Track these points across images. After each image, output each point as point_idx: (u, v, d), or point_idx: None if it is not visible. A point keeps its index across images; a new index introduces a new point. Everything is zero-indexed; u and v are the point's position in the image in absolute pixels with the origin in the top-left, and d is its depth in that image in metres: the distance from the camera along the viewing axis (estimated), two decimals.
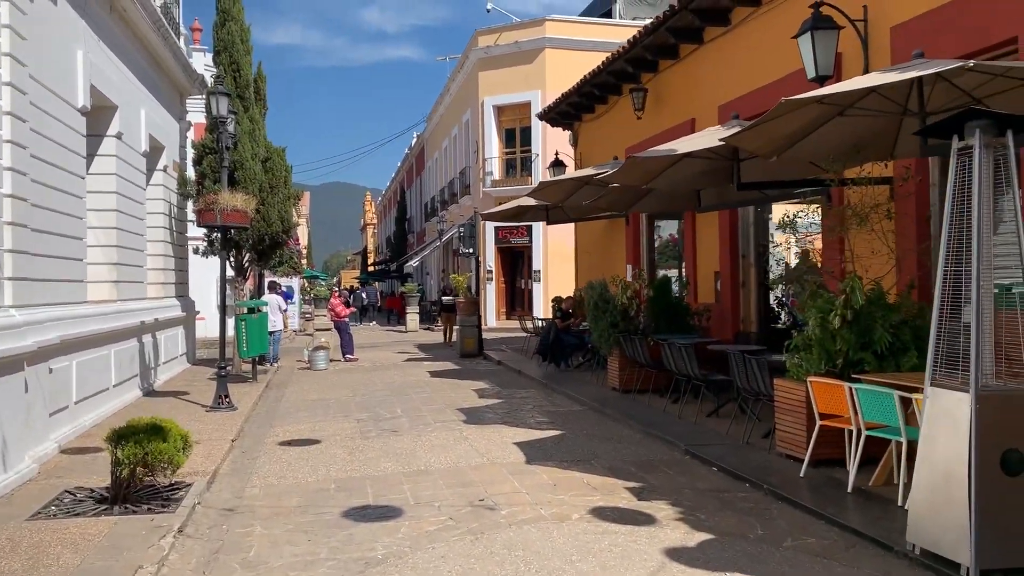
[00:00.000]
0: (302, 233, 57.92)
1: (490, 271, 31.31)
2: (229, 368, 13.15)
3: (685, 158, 9.88)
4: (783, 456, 8.19)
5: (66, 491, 7.28)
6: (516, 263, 32.80)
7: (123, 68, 13.52)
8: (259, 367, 16.49)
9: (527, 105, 30.16)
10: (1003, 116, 5.14)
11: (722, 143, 8.01)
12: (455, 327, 22.72)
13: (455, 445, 9.64)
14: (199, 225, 13.85)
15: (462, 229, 30.32)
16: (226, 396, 12.16)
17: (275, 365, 18.62)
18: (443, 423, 11.15)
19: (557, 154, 20.01)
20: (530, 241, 30.44)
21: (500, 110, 31.61)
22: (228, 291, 15.55)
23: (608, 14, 33.81)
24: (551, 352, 17.20)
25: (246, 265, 17.52)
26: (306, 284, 41.49)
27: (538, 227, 29.12)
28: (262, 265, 19.19)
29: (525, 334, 21.40)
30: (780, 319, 13.44)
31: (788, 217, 8.55)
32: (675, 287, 13.92)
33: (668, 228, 16.80)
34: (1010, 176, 5.12)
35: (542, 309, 27.62)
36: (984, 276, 5.02)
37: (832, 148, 8.01)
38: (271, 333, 17.69)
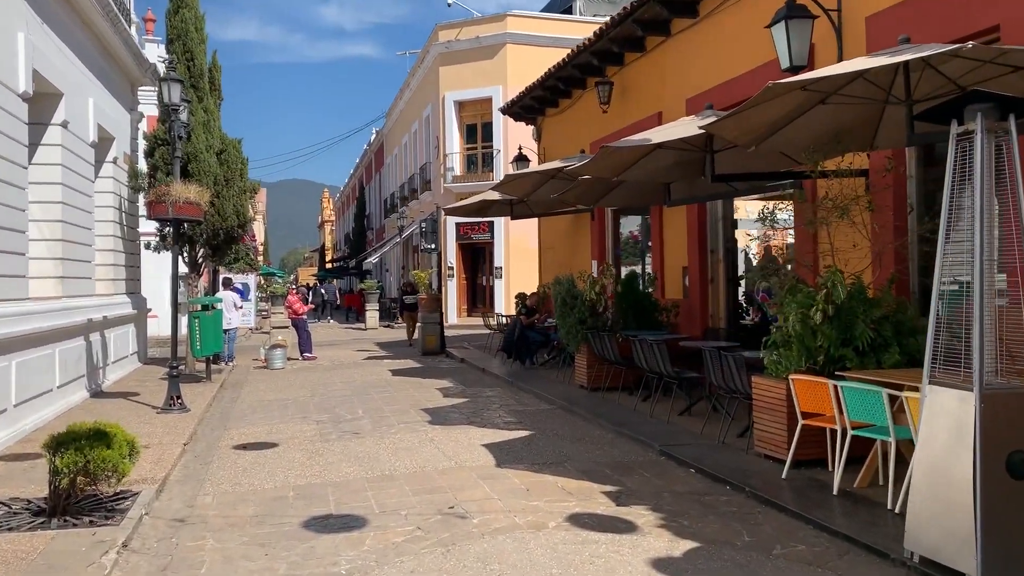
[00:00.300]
0: (259, 229, 57.00)
1: (451, 268, 30.86)
2: (182, 368, 12.64)
3: (658, 149, 9.59)
4: (762, 456, 7.90)
5: (0, 502, 6.75)
6: (477, 259, 32.40)
7: (69, 54, 12.89)
8: (213, 366, 15.96)
9: (488, 100, 29.84)
10: (1006, 99, 4.87)
11: (701, 131, 7.70)
12: (418, 324, 22.30)
13: (420, 448, 9.23)
14: (150, 218, 13.28)
15: (423, 225, 29.78)
16: (178, 397, 11.64)
17: (230, 364, 18.05)
18: (407, 424, 10.73)
19: (520, 149, 19.62)
20: (492, 237, 30.07)
21: (461, 105, 31.20)
22: (181, 288, 15.01)
23: (568, 11, 33.56)
24: (516, 349, 16.85)
25: (200, 261, 16.96)
26: (262, 281, 40.67)
27: (500, 223, 28.76)
28: (217, 261, 18.62)
29: (488, 331, 21.01)
30: (747, 315, 13.23)
31: (767, 210, 8.28)
32: (640, 283, 13.66)
33: (630, 224, 16.51)
34: (1013, 162, 4.86)
35: (504, 306, 27.26)
36: (987, 268, 4.75)
37: (812, 138, 7.74)
38: (226, 331, 17.13)
